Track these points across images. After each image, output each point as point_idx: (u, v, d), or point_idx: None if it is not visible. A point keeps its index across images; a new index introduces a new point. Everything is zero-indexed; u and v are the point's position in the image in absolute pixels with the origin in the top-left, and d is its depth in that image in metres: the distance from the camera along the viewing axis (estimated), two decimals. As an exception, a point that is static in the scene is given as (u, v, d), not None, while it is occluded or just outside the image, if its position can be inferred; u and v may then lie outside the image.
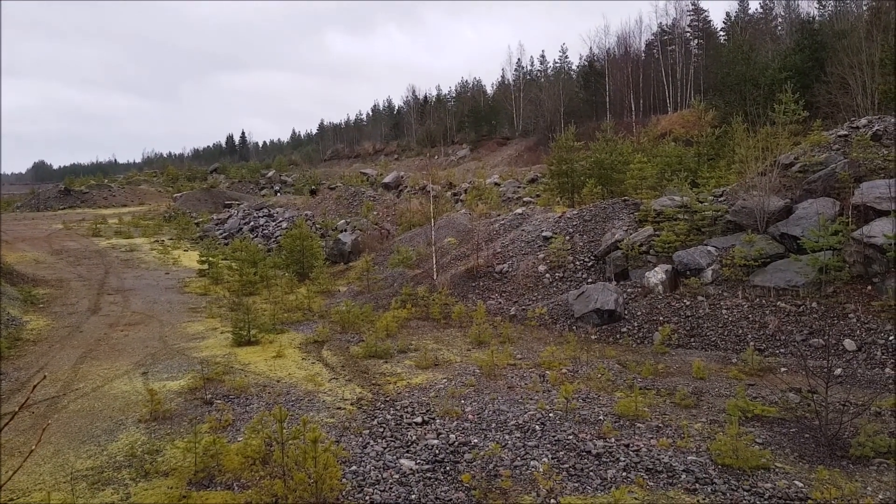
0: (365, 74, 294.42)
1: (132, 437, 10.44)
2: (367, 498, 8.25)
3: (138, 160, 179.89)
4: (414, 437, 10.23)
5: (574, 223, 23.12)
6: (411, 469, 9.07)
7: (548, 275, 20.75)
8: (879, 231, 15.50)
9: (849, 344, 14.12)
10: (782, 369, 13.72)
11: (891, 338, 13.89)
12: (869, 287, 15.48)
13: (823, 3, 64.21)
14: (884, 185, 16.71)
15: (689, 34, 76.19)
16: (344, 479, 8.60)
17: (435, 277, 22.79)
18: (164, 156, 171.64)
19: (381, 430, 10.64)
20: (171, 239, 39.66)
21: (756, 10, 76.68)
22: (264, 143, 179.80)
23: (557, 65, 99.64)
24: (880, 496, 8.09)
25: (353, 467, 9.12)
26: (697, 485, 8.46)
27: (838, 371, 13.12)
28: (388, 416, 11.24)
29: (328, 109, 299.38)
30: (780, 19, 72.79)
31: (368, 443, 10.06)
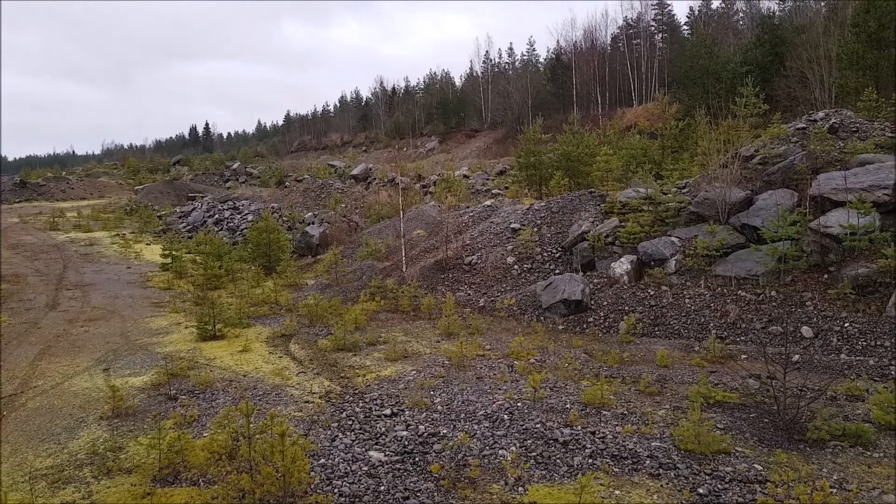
0: (327, 64, 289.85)
1: (94, 435, 10.24)
2: (336, 490, 8.23)
3: (97, 152, 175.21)
4: (383, 429, 10.24)
5: (542, 215, 23.29)
6: (380, 461, 9.08)
7: (516, 266, 20.89)
8: (835, 221, 15.94)
9: (806, 331, 14.52)
10: (743, 356, 14.06)
11: (846, 325, 14.31)
12: (825, 276, 15.92)
13: (783, -2, 65.52)
14: (840, 177, 17.17)
15: (653, 28, 77.19)
16: (312, 473, 8.57)
17: (404, 269, 22.77)
18: (125, 147, 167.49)
19: (350, 422, 10.62)
20: (132, 232, 38.86)
21: (718, 4, 77.96)
22: (229, 134, 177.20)
23: (525, 57, 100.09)
24: (835, 477, 8.37)
25: (322, 460, 9.08)
26: (661, 470, 8.63)
27: (796, 357, 13.49)
28: (357, 409, 11.22)
29: (294, 100, 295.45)
30: (741, 14, 74.19)
31: (337, 436, 10.03)
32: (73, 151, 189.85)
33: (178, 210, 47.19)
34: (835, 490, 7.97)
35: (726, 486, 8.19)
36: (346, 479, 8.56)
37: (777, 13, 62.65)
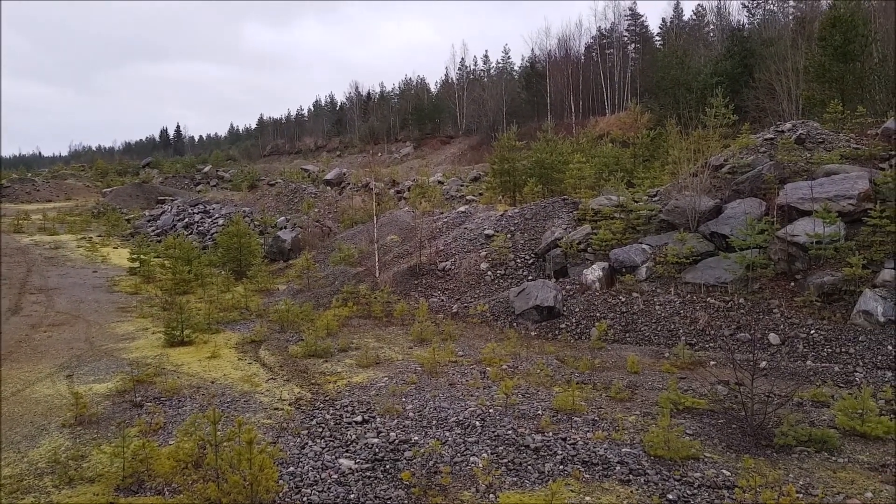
0: (295, 68, 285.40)
1: (55, 443, 9.97)
2: (305, 499, 8.11)
3: (65, 153, 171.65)
4: (354, 437, 10.13)
5: (515, 221, 23.37)
6: (350, 468, 8.97)
7: (489, 272, 20.91)
8: (802, 230, 16.25)
9: (773, 338, 14.75)
10: (711, 363, 14.21)
11: (812, 332, 14.57)
12: (792, 283, 16.20)
13: (752, 11, 66.92)
14: (806, 187, 17.52)
15: (626, 38, 78.25)
16: (281, 481, 8.43)
17: (377, 275, 22.65)
18: (93, 149, 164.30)
19: (320, 429, 10.49)
20: (99, 236, 38.12)
21: (690, 17, 79.28)
22: (200, 137, 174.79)
23: (500, 65, 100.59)
24: (801, 482, 8.48)
25: (291, 468, 8.95)
26: (631, 476, 8.67)
27: (763, 364, 13.68)
28: (328, 416, 11.10)
29: (266, 103, 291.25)
30: (712, 26, 75.46)
31: (307, 443, 9.90)
32: (40, 153, 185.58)
33: (147, 213, 46.48)
34: (801, 495, 8.08)
35: (695, 491, 8.26)
36: (315, 487, 8.44)
37: (746, 26, 63.88)
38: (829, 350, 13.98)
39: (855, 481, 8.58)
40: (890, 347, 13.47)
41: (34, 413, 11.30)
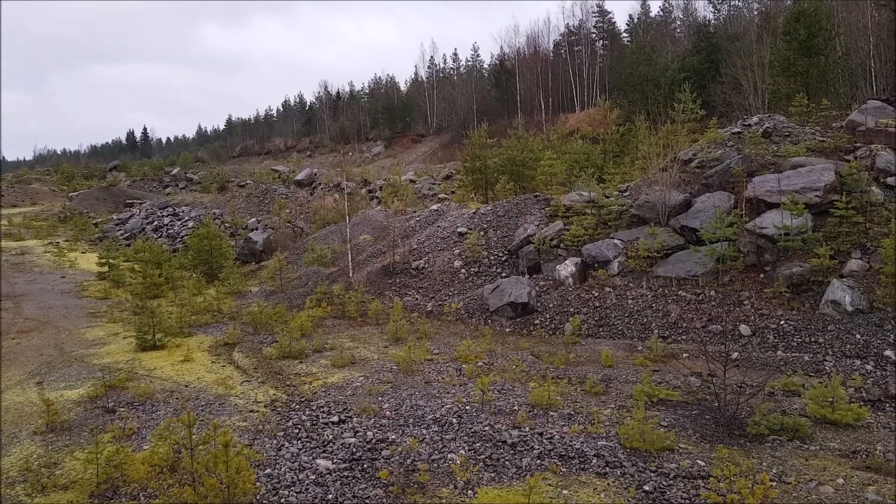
0: (256, 68, 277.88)
1: (27, 451, 9.76)
2: (283, 500, 8.06)
3: (29, 157, 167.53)
4: (330, 437, 10.08)
5: (488, 219, 23.43)
6: (328, 469, 8.93)
7: (463, 270, 20.94)
8: (770, 222, 16.54)
9: (744, 329, 15.00)
10: (684, 355, 14.42)
11: (782, 322, 14.85)
12: (761, 275, 16.49)
13: (718, 7, 67.87)
14: (774, 179, 17.83)
15: (594, 35, 78.66)
16: (258, 483, 8.35)
17: (351, 275, 22.54)
18: (59, 153, 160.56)
19: (297, 431, 10.42)
20: (66, 241, 37.35)
21: (657, 13, 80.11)
22: (168, 139, 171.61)
23: (470, 63, 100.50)
24: (774, 470, 8.65)
25: (268, 470, 8.88)
26: (608, 468, 8.75)
27: (735, 355, 13.88)
28: (304, 417, 11.02)
29: (234, 106, 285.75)
30: (678, 22, 76.31)
31: (283, 444, 9.82)
32: (3, 158, 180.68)
33: (115, 217, 45.65)
34: (774, 483, 8.24)
35: (671, 482, 8.37)
36: (292, 488, 8.38)
37: (712, 22, 64.76)
38: (799, 340, 14.26)
39: (827, 468, 8.77)
40: (858, 336, 13.79)
41: (4, 421, 11.05)
